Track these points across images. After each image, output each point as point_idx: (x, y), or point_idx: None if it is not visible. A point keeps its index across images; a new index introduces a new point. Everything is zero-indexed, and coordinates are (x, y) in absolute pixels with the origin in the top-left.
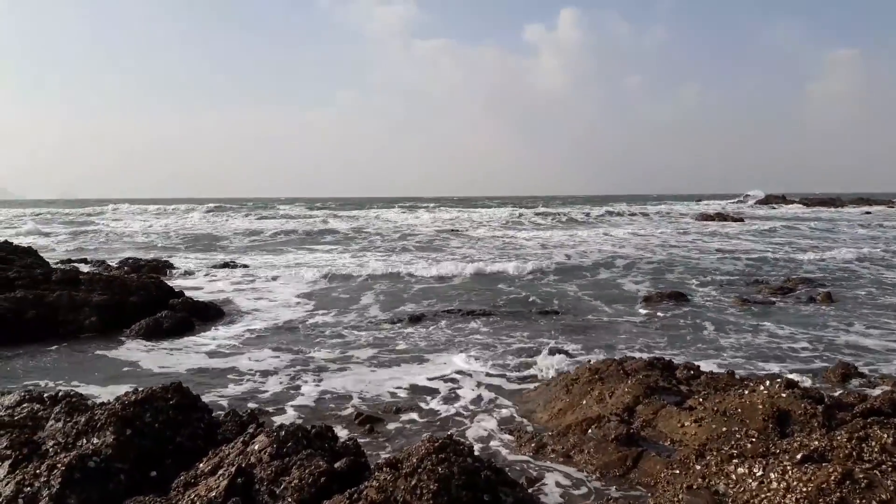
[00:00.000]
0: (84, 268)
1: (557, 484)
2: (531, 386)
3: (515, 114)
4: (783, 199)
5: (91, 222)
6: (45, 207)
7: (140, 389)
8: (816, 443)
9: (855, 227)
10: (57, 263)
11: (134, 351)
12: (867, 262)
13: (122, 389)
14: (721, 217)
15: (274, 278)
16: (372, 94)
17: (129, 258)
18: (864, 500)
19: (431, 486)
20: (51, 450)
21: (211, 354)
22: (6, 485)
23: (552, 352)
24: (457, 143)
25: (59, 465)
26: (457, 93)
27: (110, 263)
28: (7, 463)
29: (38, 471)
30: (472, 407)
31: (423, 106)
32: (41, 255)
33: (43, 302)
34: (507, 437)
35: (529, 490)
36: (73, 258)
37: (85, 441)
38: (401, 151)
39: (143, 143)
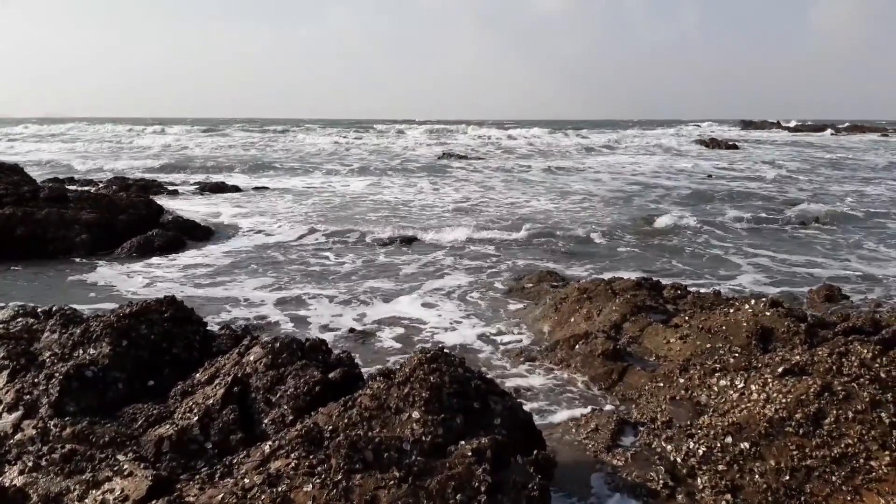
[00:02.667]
0: (71, 186)
1: (545, 395)
2: (521, 304)
3: (509, 33)
4: (777, 125)
5: (72, 139)
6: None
7: (134, 302)
8: (798, 357)
9: (848, 153)
10: (44, 181)
11: (125, 269)
12: (858, 188)
13: (114, 307)
14: (716, 143)
15: (265, 199)
16: (362, 9)
17: (116, 177)
18: (840, 411)
19: (423, 394)
20: (48, 360)
21: (201, 273)
22: (6, 393)
23: (543, 272)
24: (449, 63)
25: (56, 375)
26: (451, 9)
27: (98, 182)
28: (6, 372)
29: (36, 380)
30: (463, 324)
31: (414, 22)
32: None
33: (32, 219)
34: (496, 351)
35: (518, 400)
36: (60, 176)
37: (81, 352)
38: (390, 71)
39: (122, 61)
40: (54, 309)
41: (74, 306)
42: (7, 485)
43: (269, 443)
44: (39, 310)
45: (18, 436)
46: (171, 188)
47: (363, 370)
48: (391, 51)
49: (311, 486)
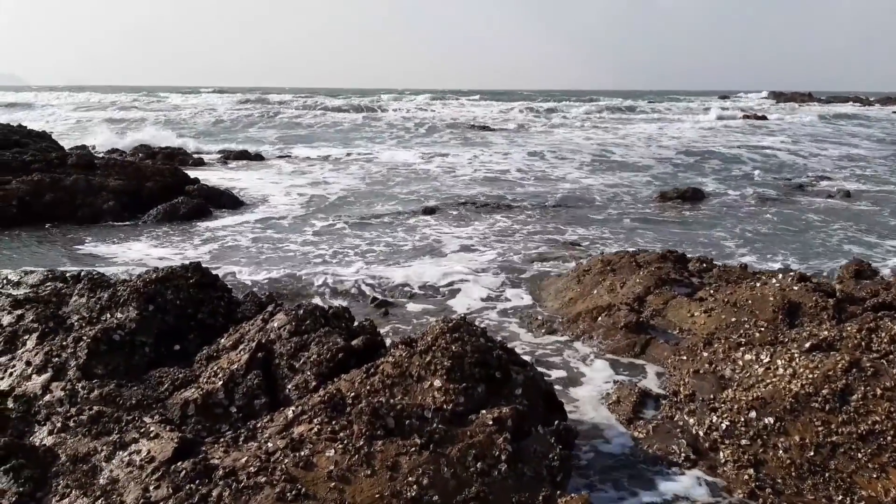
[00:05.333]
0: (97, 153)
1: (566, 366)
2: (543, 276)
3: (532, 2)
4: (809, 97)
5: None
6: (55, 93)
7: (160, 268)
8: (826, 333)
9: (873, 128)
10: (71, 148)
11: (152, 235)
12: (888, 162)
13: (139, 272)
14: (745, 115)
15: (290, 168)
16: None
17: (142, 145)
18: (868, 388)
19: (445, 363)
20: (76, 324)
21: (225, 240)
22: (35, 355)
23: (567, 243)
24: (464, 31)
25: (84, 338)
26: None
27: (123, 150)
28: (35, 335)
29: (64, 343)
30: (484, 294)
31: None
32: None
33: (60, 185)
34: (517, 322)
35: (539, 370)
36: (88, 144)
37: (108, 316)
38: (401, 39)
39: (134, 26)
40: (82, 273)
41: (101, 271)
42: (37, 444)
43: (293, 408)
44: (68, 274)
45: (47, 397)
46: (196, 156)
47: (385, 338)
48: (402, 18)
49: (333, 451)
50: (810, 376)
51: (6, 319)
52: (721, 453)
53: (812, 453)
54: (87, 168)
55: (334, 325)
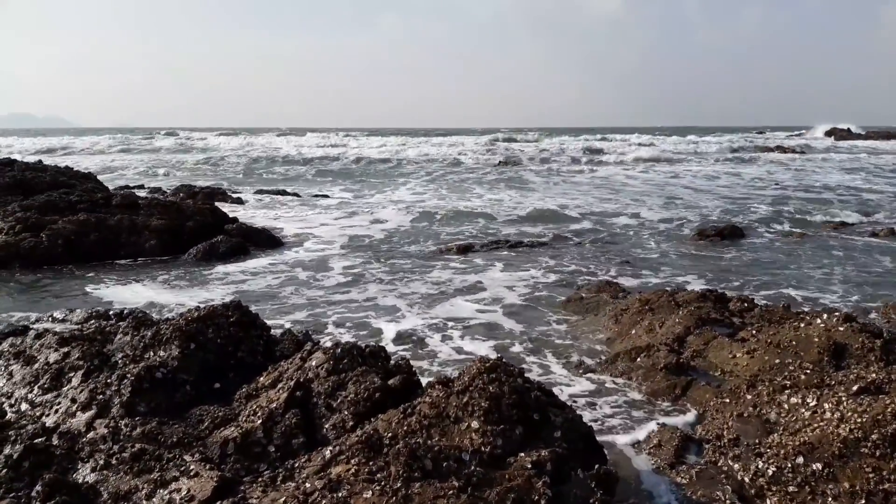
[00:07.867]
0: (141, 193)
1: (605, 408)
2: (580, 315)
3: (565, 40)
4: (849, 133)
5: (144, 150)
6: (100, 136)
7: (202, 307)
8: (874, 375)
9: None
10: (115, 189)
11: (191, 274)
12: None
13: (181, 310)
14: (781, 150)
15: (327, 208)
16: (414, 18)
17: (183, 185)
18: None
19: (482, 404)
20: (120, 361)
21: (263, 279)
22: (80, 392)
23: (602, 282)
24: (503, 72)
25: (128, 376)
26: (505, 17)
27: (165, 190)
28: (80, 373)
29: (109, 380)
30: (519, 334)
31: (467, 32)
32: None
33: (104, 225)
34: (554, 362)
35: (578, 413)
36: (131, 184)
37: (152, 354)
38: (443, 80)
39: (172, 69)
40: (126, 312)
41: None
42: (80, 481)
43: (330, 448)
44: (112, 312)
45: (91, 434)
46: (234, 196)
47: (420, 374)
48: (442, 59)
49: (370, 492)
50: (859, 420)
51: (52, 357)
52: (768, 500)
53: (863, 501)
54: (131, 208)
55: (371, 364)
